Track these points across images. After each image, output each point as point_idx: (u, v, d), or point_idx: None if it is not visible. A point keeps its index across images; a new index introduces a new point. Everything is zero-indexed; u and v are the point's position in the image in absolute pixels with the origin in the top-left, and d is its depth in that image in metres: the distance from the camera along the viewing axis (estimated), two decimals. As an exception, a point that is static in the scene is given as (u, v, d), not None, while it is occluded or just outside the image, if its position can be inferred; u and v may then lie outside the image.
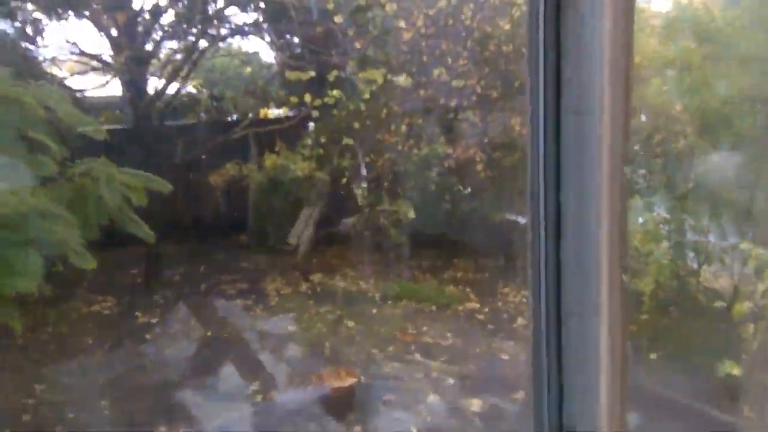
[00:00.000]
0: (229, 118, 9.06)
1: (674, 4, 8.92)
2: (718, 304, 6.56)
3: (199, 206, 8.58)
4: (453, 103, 7.23)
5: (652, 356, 5.94)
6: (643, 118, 6.98)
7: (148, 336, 6.28)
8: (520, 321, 6.83)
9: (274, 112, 9.65)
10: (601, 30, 1.55)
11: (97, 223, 3.48)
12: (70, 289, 7.14)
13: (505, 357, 6.04)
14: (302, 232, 8.15)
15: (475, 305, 7.11)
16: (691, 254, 6.59)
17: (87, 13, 6.55)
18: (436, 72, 6.80)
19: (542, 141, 1.77)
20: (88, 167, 3.54)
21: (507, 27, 6.86)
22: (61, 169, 3.54)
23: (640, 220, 6.65)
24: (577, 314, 1.93)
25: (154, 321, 6.61)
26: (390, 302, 7.16)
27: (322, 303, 7.07)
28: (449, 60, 6.93)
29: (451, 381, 5.53)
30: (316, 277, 7.81)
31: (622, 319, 1.91)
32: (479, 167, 7.48)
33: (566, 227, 1.78)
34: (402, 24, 6.74)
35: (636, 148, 6.95)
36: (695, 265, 6.56)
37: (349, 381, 5.19)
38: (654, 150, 6.79)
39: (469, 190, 8.34)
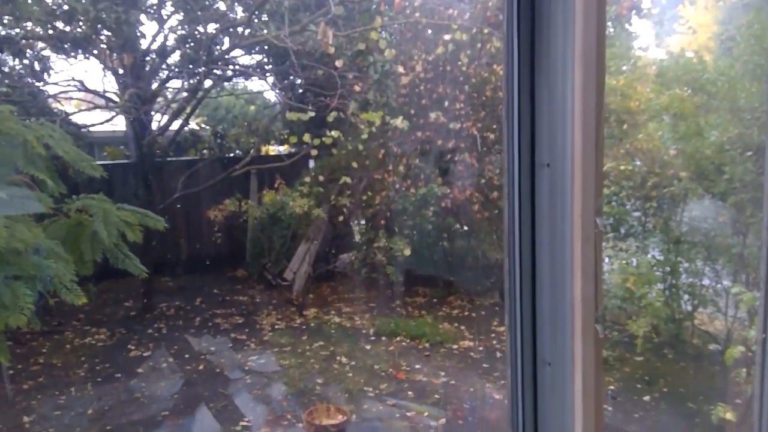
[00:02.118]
0: (231, 155, 9.23)
1: (668, 53, 9.15)
2: (713, 347, 6.57)
3: (197, 241, 8.68)
4: (450, 145, 7.36)
5: (646, 398, 5.93)
6: (638, 162, 7.08)
7: (139, 369, 6.27)
8: (514, 361, 6.79)
9: (275, 149, 9.83)
10: (572, 87, 1.65)
11: (92, 259, 3.53)
12: (63, 321, 7.18)
13: (498, 396, 6.02)
14: (299, 267, 8.20)
15: (469, 343, 7.11)
16: (686, 297, 6.63)
17: (95, 52, 6.74)
18: (433, 115, 6.94)
19: (517, 194, 1.86)
20: (84, 203, 3.61)
21: (503, 73, 7.02)
22: (58, 204, 3.61)
23: (635, 262, 6.70)
24: (552, 363, 1.99)
25: (146, 354, 6.60)
26: (384, 338, 7.17)
27: (315, 338, 7.08)
28: (446, 103, 7.09)
29: (443, 420, 5.51)
30: (311, 312, 7.83)
31: (597, 367, 1.97)
32: (475, 207, 7.57)
33: (541, 278, 1.85)
34: (401, 69, 6.92)
35: (630, 191, 7.05)
36: (690, 308, 6.59)
37: (340, 418, 5.16)
38: (648, 194, 6.88)
39: (465, 229, 8.42)
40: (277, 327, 7.41)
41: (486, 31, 7.00)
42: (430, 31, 7.27)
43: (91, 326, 7.17)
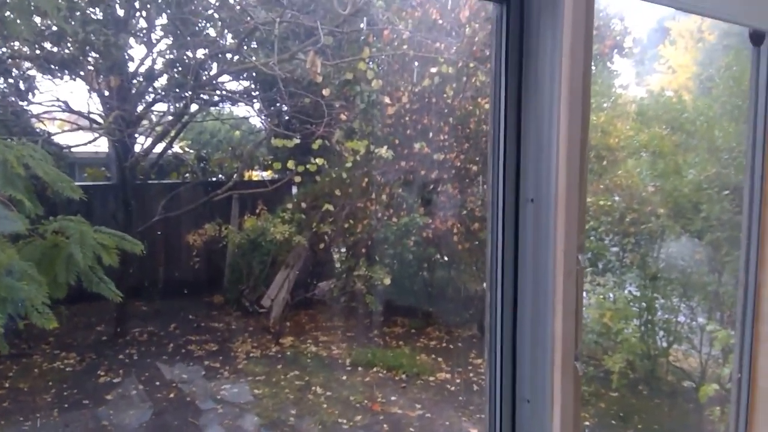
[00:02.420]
0: (213, 179, 9.19)
1: (648, 92, 9.37)
2: (687, 384, 6.61)
3: (175, 265, 8.55)
4: (433, 176, 7.42)
5: (621, 435, 5.93)
6: (617, 197, 7.19)
7: (108, 396, 6.10)
8: (491, 395, 6.76)
9: (258, 175, 9.80)
10: (558, 124, 1.67)
11: (66, 281, 3.47)
12: (32, 344, 6.98)
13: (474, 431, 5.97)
14: (277, 294, 8.11)
15: (446, 375, 7.06)
16: (661, 333, 6.68)
17: (82, 73, 6.71)
18: (417, 145, 7.01)
19: (501, 227, 1.86)
20: (62, 225, 3.56)
21: (487, 106, 7.14)
22: (34, 225, 3.55)
23: (612, 297, 6.75)
24: (531, 399, 1.97)
25: (116, 381, 6.43)
26: (361, 369, 7.09)
27: (291, 367, 6.98)
28: (431, 134, 7.16)
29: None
30: (287, 341, 7.73)
31: (575, 405, 1.95)
32: (456, 238, 7.60)
33: (523, 313, 1.85)
34: (387, 99, 7.00)
35: (609, 226, 7.13)
36: (665, 344, 6.63)
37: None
38: (626, 229, 6.97)
39: (446, 259, 8.43)
40: (252, 355, 7.28)
41: (472, 65, 7.12)
42: (416, 63, 7.37)
43: (60, 350, 6.97)
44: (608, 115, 7.67)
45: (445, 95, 7.14)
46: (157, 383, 6.43)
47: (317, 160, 7.04)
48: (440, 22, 7.23)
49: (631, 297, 6.72)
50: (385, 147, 6.76)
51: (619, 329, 6.25)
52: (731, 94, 6.31)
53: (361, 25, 7.06)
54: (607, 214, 6.97)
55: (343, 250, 8.89)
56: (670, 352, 6.63)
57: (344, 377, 6.86)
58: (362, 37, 7.25)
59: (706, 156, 6.48)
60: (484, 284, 8.12)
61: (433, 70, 6.89)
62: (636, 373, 6.68)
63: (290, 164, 7.20)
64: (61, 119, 7.29)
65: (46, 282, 3.31)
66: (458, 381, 6.96)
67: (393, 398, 6.39)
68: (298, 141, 7.06)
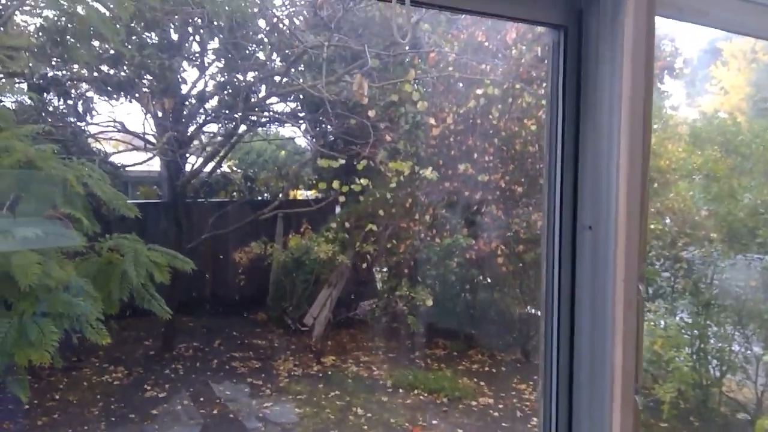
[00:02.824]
0: (259, 198, 9.36)
1: (701, 113, 9.14)
2: (741, 416, 6.31)
3: (221, 282, 8.70)
4: (477, 197, 7.37)
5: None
6: (668, 221, 6.99)
7: (154, 411, 6.21)
8: (534, 421, 6.61)
9: (303, 194, 9.94)
10: (618, 150, 1.63)
11: (119, 298, 3.56)
12: (82, 357, 7.18)
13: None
14: (319, 313, 8.15)
15: (489, 400, 6.92)
16: (714, 362, 6.42)
17: (137, 95, 6.97)
18: (462, 166, 6.98)
19: (557, 255, 1.82)
20: (117, 242, 3.67)
21: (533, 128, 7.08)
22: (90, 242, 3.67)
23: (662, 324, 6.54)
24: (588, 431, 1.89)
25: (162, 395, 6.55)
26: (402, 391, 7.02)
27: (332, 387, 6.96)
28: (475, 155, 7.13)
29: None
30: (329, 360, 7.73)
31: (634, 438, 1.86)
32: (500, 260, 7.50)
33: (580, 344, 1.79)
34: (432, 120, 7.02)
35: (660, 251, 6.93)
36: (718, 374, 6.37)
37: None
38: (678, 254, 6.76)
39: (489, 281, 8.33)
40: (294, 374, 7.31)
41: (518, 86, 7.08)
42: (461, 85, 7.38)
43: (109, 364, 7.15)
44: (659, 137, 7.49)
45: (490, 116, 7.12)
46: (202, 399, 6.51)
47: (362, 181, 7.09)
48: (486, 44, 7.23)
49: (683, 324, 6.49)
50: (430, 168, 6.76)
51: (670, 357, 6.03)
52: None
53: (407, 48, 7.13)
54: (657, 238, 6.78)
55: (385, 270, 8.89)
56: (723, 382, 6.36)
57: (385, 399, 6.80)
58: (407, 59, 7.30)
59: (762, 180, 6.25)
60: (539, 312, 8.01)
61: (479, 91, 6.89)
62: (687, 403, 6.43)
63: (335, 184, 7.27)
64: (116, 139, 7.57)
65: (100, 298, 3.41)
66: (501, 406, 6.82)
67: (434, 422, 6.30)
68: (343, 161, 7.14)
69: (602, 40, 1.63)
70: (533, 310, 8.31)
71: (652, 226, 6.75)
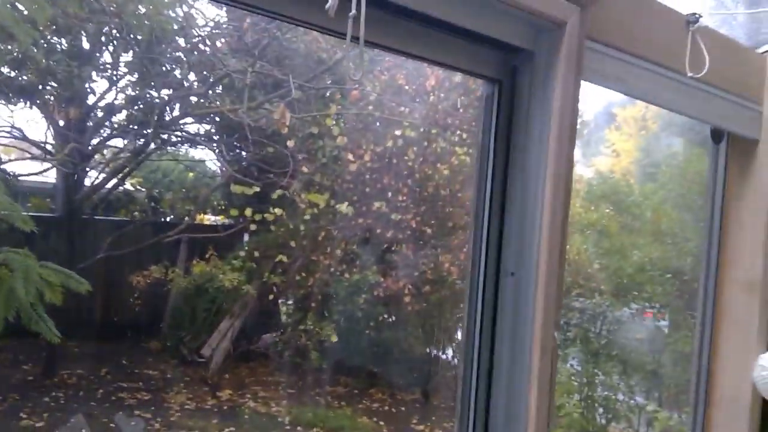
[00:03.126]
0: (164, 220, 8.96)
1: (596, 173, 9.83)
2: (624, 465, 6.65)
3: (114, 306, 8.17)
4: (389, 235, 7.46)
5: None
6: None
7: (27, 443, 5.67)
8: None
9: (210, 219, 9.62)
10: (543, 200, 1.72)
11: (3, 317, 3.25)
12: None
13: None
14: (218, 343, 7.83)
15: (387, 441, 6.91)
16: (600, 410, 6.75)
17: (38, 101, 6.54)
18: (377, 204, 7.07)
19: (480, 300, 1.87)
20: (7, 257, 3.37)
21: (446, 172, 7.32)
22: (-25, 256, 3.35)
23: (556, 370, 6.80)
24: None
25: (39, 425, 5.99)
26: (300, 428, 6.85)
27: (227, 423, 6.67)
28: (390, 194, 7.25)
29: None
30: (225, 394, 7.41)
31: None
32: (407, 299, 7.59)
33: (498, 389, 1.83)
34: (350, 156, 7.09)
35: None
36: (604, 421, 6.70)
37: None
38: (571, 303, 7.13)
39: (394, 319, 8.38)
40: (186, 407, 6.93)
41: (434, 131, 7.33)
42: (379, 124, 7.52)
43: (-21, 389, 6.48)
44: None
45: (406, 157, 7.29)
46: (83, 430, 6.01)
47: (275, 210, 6.99)
48: (406, 87, 7.45)
49: (573, 371, 6.82)
50: (345, 203, 6.79)
51: (561, 403, 6.29)
52: (676, 182, 6.70)
53: (329, 83, 7.20)
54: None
55: (291, 303, 8.73)
56: (608, 430, 6.69)
57: (282, 436, 6.61)
58: (328, 94, 7.37)
59: (650, 239, 6.78)
60: (440, 354, 8.11)
61: (397, 132, 7.05)
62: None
63: (247, 212, 7.11)
64: (11, 146, 7.02)
65: (-19, 316, 3.10)
66: (399, 447, 6.81)
67: (332, 462, 6.18)
68: (258, 189, 7.01)
69: (533, 97, 1.73)
70: (435, 351, 8.44)
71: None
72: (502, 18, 1.63)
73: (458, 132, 7.49)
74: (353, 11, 1.26)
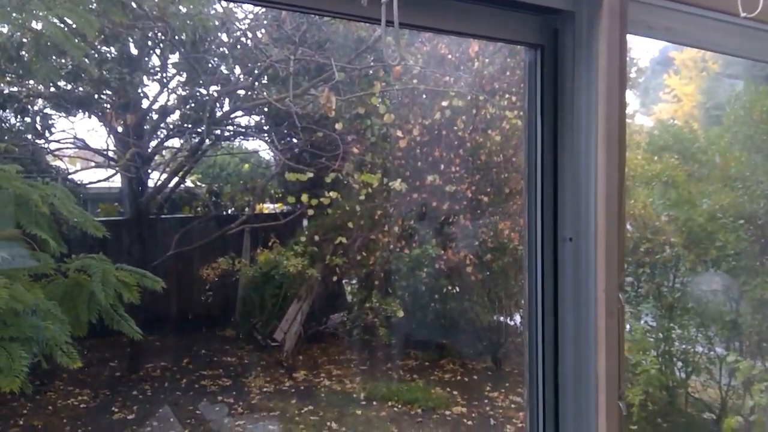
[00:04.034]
0: (225, 213, 9.25)
1: (657, 121, 9.43)
2: (707, 415, 6.50)
3: (188, 299, 8.54)
4: (445, 207, 7.44)
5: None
6: (629, 227, 7.17)
7: (122, 434, 6.05)
8: (509, 429, 6.67)
9: (269, 207, 9.85)
10: (596, 161, 1.68)
11: (87, 320, 3.47)
12: (46, 381, 6.95)
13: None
14: (289, 327, 8.07)
15: (462, 409, 6.96)
16: (679, 364, 6.60)
17: (97, 111, 6.83)
18: (429, 177, 7.05)
19: (540, 267, 1.86)
20: (84, 263, 3.57)
21: (498, 138, 7.20)
22: (58, 263, 3.57)
23: (629, 328, 6.68)
24: (572, 439, 1.93)
25: (130, 417, 6.37)
26: (375, 403, 7.00)
27: (305, 402, 6.90)
28: (442, 166, 7.21)
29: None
30: (301, 375, 7.66)
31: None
32: (469, 269, 7.57)
33: (564, 353, 1.83)
34: (399, 132, 7.07)
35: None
36: (683, 376, 6.54)
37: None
38: (641, 259, 6.93)
39: (458, 291, 8.40)
40: (265, 390, 7.21)
41: (481, 98, 7.20)
42: (426, 97, 7.46)
43: (74, 387, 6.93)
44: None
45: (455, 128, 7.21)
46: (171, 419, 6.37)
47: (330, 193, 7.09)
48: (449, 56, 7.33)
49: (648, 328, 6.66)
50: (398, 180, 6.80)
51: (637, 361, 6.17)
52: (742, 123, 6.35)
53: (371, 62, 7.16)
54: (620, 243, 6.94)
55: (355, 282, 8.87)
56: (689, 383, 6.54)
57: (359, 412, 6.77)
58: (371, 72, 7.34)
59: (719, 185, 6.48)
60: (508, 320, 8.08)
61: (444, 103, 6.97)
62: (655, 405, 6.58)
63: (303, 198, 7.24)
64: (76, 156, 7.38)
65: (68, 321, 3.31)
66: (474, 415, 6.87)
67: (409, 433, 6.31)
68: (311, 175, 7.13)
69: (578, 58, 1.69)
70: (502, 318, 8.41)
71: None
72: (538, -20, 1.59)
73: (507, 96, 7.34)
74: (385, -3, 1.25)
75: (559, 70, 1.73)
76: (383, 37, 1.26)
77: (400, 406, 6.92)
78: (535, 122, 1.76)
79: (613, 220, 1.68)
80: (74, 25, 4.32)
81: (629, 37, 1.73)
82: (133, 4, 6.26)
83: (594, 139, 1.66)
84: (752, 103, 6.08)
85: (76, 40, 4.44)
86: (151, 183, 7.66)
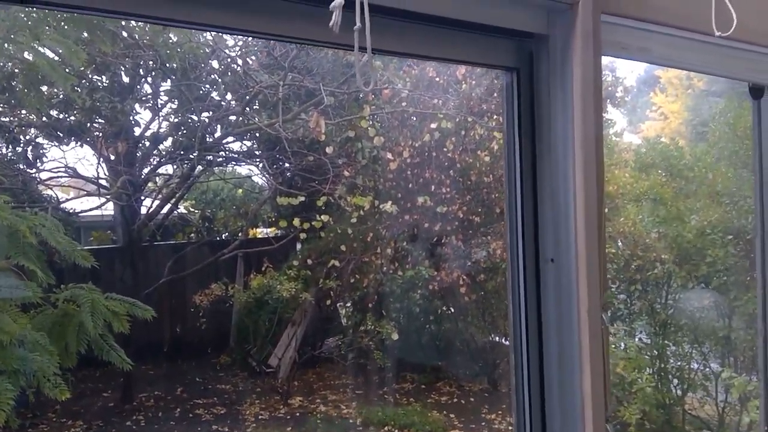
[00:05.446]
0: (218, 238, 9.23)
1: (643, 139, 9.53)
2: (705, 432, 6.46)
3: (181, 326, 8.49)
4: (437, 228, 7.45)
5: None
6: (620, 244, 7.20)
7: (116, 466, 5.96)
8: (506, 451, 6.61)
9: (262, 232, 9.84)
10: (574, 184, 1.70)
11: (76, 350, 3.44)
12: (38, 413, 6.85)
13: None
14: (284, 353, 8.01)
15: (460, 433, 6.91)
16: (675, 381, 6.57)
17: (88, 139, 6.85)
18: (420, 199, 7.07)
19: (522, 288, 1.86)
20: (73, 293, 3.56)
21: (487, 159, 7.25)
22: (46, 294, 3.55)
23: (623, 346, 6.67)
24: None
25: (123, 449, 6.30)
26: (372, 428, 6.93)
27: (301, 429, 6.83)
28: (433, 187, 7.24)
29: None
30: (296, 401, 7.58)
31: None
32: (463, 290, 7.56)
33: (550, 375, 1.83)
34: (389, 155, 7.12)
35: (615, 273, 7.11)
36: (679, 393, 6.51)
37: None
38: (633, 276, 6.95)
39: (453, 311, 8.38)
40: (261, 417, 7.13)
41: (470, 119, 7.27)
42: (415, 119, 7.52)
43: (67, 418, 6.83)
44: (606, 164, 7.70)
45: (445, 149, 7.26)
46: (165, 450, 6.29)
47: (322, 217, 7.10)
48: (437, 79, 7.41)
49: (642, 345, 6.65)
50: (389, 202, 6.82)
51: (633, 379, 6.14)
52: (727, 139, 6.42)
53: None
54: (611, 261, 6.96)
55: (350, 305, 8.84)
56: (685, 400, 6.50)
57: (355, 437, 6.71)
58: (361, 95, 7.42)
59: (707, 201, 6.53)
60: (503, 340, 8.05)
61: (433, 125, 7.03)
62: (652, 423, 6.53)
63: (296, 221, 7.25)
64: (68, 185, 7.38)
65: (57, 352, 3.29)
66: (472, 438, 6.81)
67: (406, 458, 6.24)
68: (303, 198, 7.14)
69: (553, 80, 1.71)
70: (497, 338, 8.38)
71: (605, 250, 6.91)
72: (512, 6, 1.63)
73: (495, 117, 7.41)
74: (358, 24, 1.26)
75: (536, 92, 1.75)
76: (356, 63, 1.28)
77: (396, 430, 6.85)
78: (514, 144, 1.78)
79: (593, 241, 1.69)
80: (58, 57, 4.36)
81: (613, 58, 1.76)
82: (124, 33, 6.32)
83: (571, 160, 1.68)
84: (736, 119, 6.16)
85: (67, 71, 4.48)
86: (143, 210, 7.66)
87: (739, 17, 2.03)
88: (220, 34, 6.59)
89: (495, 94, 7.30)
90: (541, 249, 1.77)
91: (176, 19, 1.25)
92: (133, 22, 5.97)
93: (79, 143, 6.96)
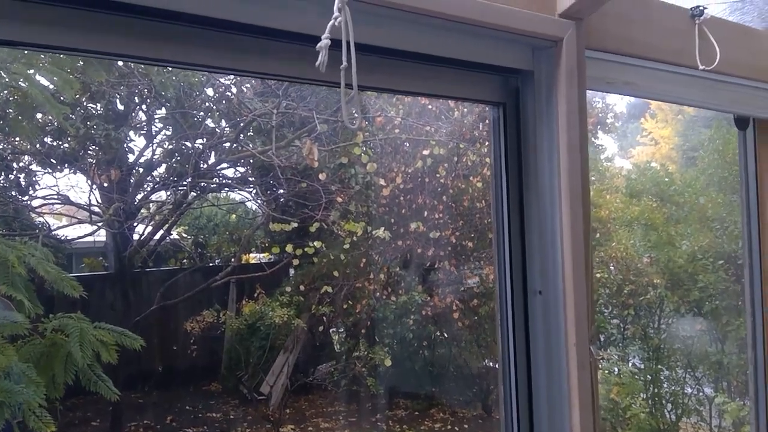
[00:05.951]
0: (211, 264, 9.20)
1: (634, 165, 9.63)
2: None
3: (172, 353, 8.40)
4: (430, 253, 7.46)
5: None
6: (612, 269, 7.22)
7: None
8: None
9: (255, 257, 9.82)
10: (560, 217, 1.72)
11: (64, 381, 3.39)
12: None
13: None
14: (276, 380, 7.93)
15: (453, 461, 6.83)
16: (669, 406, 6.54)
17: (81, 166, 6.86)
18: (413, 224, 7.10)
19: (510, 320, 1.87)
20: (62, 323, 3.51)
21: (479, 185, 7.29)
22: (34, 324, 3.51)
23: (616, 371, 6.65)
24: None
25: (112, 480, 6.17)
26: (365, 457, 6.85)
27: (293, 458, 6.74)
28: (425, 213, 7.27)
29: None
30: (288, 429, 7.48)
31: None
32: (456, 315, 7.55)
33: (539, 408, 1.83)
34: (382, 181, 7.16)
35: (607, 298, 7.12)
36: (674, 418, 6.48)
37: None
38: (625, 301, 6.95)
39: (446, 337, 8.34)
40: (252, 446, 7.04)
41: (462, 145, 7.33)
42: (408, 146, 7.57)
43: (53, 449, 6.70)
44: (597, 189, 7.84)
45: (437, 175, 7.31)
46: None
47: (315, 243, 7.10)
48: (429, 106, 7.49)
49: (635, 370, 6.63)
50: (382, 228, 6.84)
51: (626, 405, 6.12)
52: (716, 165, 6.50)
53: (354, 113, 7.27)
54: (604, 286, 6.98)
55: (342, 331, 8.79)
56: (679, 425, 6.47)
57: (348, 466, 6.62)
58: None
59: (697, 227, 6.59)
60: (496, 365, 8.00)
61: (425, 151, 7.08)
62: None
63: (288, 248, 7.24)
64: (60, 213, 7.36)
65: (43, 383, 3.24)
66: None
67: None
68: (296, 224, 7.15)
69: (539, 116, 1.74)
70: (491, 363, 8.33)
71: (598, 275, 6.95)
72: (497, 43, 1.66)
73: (486, 143, 7.48)
74: (344, 63, 1.28)
75: (522, 127, 1.78)
76: (342, 100, 1.31)
77: (390, 458, 6.77)
78: (501, 177, 1.81)
79: (580, 273, 1.70)
80: (53, 86, 4.38)
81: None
82: (119, 62, 6.37)
83: (557, 193, 1.71)
84: (725, 146, 6.24)
85: (61, 98, 4.50)
86: (136, 236, 7.64)
87: (722, 51, 2.08)
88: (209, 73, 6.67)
89: (487, 121, 7.38)
90: (528, 281, 1.78)
91: (164, 59, 1.27)
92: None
93: (72, 170, 6.96)
